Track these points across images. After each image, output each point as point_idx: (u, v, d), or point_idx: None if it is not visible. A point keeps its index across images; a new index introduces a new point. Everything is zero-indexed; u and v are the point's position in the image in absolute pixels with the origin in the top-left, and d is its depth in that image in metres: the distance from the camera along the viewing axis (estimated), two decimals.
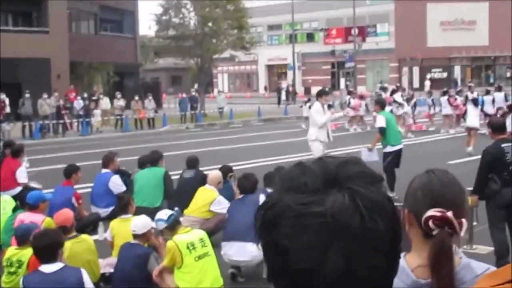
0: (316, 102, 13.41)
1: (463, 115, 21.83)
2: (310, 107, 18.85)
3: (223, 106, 38.15)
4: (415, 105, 27.42)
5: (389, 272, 1.10)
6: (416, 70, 64.46)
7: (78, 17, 45.86)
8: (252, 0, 50.75)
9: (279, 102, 49.73)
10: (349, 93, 32.48)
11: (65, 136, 30.33)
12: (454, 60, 65.91)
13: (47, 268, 5.62)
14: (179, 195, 10.77)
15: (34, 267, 5.92)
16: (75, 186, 11.07)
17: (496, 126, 8.10)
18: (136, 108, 33.44)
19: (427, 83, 58.18)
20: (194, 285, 6.75)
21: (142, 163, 11.38)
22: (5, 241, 8.26)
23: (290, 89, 53.67)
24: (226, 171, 10.43)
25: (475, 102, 20.81)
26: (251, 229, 6.90)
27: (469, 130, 19.40)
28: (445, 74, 66.02)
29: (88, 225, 10.48)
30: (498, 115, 18.08)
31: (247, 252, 7.83)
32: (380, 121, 12.82)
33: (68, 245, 6.57)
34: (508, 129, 10.42)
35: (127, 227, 7.28)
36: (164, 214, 7.11)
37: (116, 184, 11.53)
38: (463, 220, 2.14)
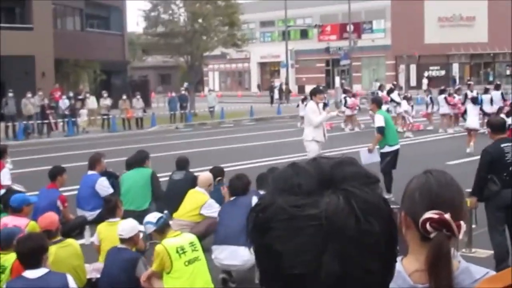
0: (311, 101, 13.38)
1: (463, 114, 21.90)
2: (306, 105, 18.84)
3: (213, 105, 38.16)
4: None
5: (385, 276, 1.10)
6: (413, 67, 64.62)
7: (63, 13, 45.73)
8: None
9: (271, 101, 49.78)
10: (345, 91, 32.54)
11: (50, 136, 30.24)
12: (452, 57, 66.10)
13: (31, 274, 5.60)
14: (168, 198, 10.75)
15: (18, 273, 5.89)
16: (61, 189, 11.02)
17: (495, 125, 8.13)
18: (124, 107, 33.37)
19: (425, 81, 58.32)
20: None
21: (130, 165, 11.34)
22: None
23: (283, 87, 53.71)
24: (217, 172, 10.41)
25: (474, 101, 20.85)
26: (243, 233, 6.90)
27: (469, 130, 19.45)
28: (443, 72, 66.21)
29: (74, 229, 10.45)
30: (503, 114, 18.09)
31: (238, 256, 7.82)
32: (379, 121, 12.79)
33: (53, 249, 6.55)
34: None
35: (115, 231, 7.26)
36: (153, 217, 7.09)
37: (103, 186, 11.50)
38: (462, 223, 2.14)
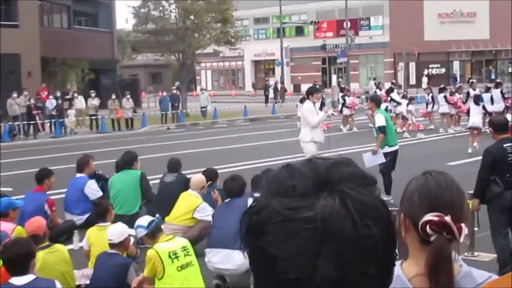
0: (307, 101, 13.35)
1: (467, 113, 21.88)
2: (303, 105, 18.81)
3: (206, 105, 38.15)
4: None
5: (383, 281, 1.10)
6: (412, 65, 64.67)
7: (50, 10, 45.67)
8: None
9: (266, 101, 49.79)
10: (342, 90, 32.57)
11: (36, 138, 30.18)
12: (453, 54, 66.27)
13: (18, 281, 5.59)
14: (159, 201, 10.73)
15: (4, 280, 5.88)
16: (48, 192, 11.01)
17: (497, 125, 8.14)
18: (113, 107, 33.33)
19: (424, 80, 58.43)
20: None
21: (120, 167, 11.32)
22: None
23: (279, 86, 53.74)
24: (210, 174, 10.40)
25: (477, 99, 20.85)
26: (238, 236, 6.89)
27: (472, 129, 19.44)
28: (443, 70, 66.37)
29: (62, 234, 10.43)
30: (510, 114, 18.11)
31: (232, 260, 7.82)
32: (380, 120, 12.77)
33: (40, 255, 6.54)
34: None
35: (105, 236, 7.25)
36: (144, 220, 7.09)
37: (92, 190, 11.48)
38: (463, 225, 2.14)
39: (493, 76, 61.41)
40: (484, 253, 8.69)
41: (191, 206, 9.47)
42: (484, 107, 21.30)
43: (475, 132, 19.28)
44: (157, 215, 9.10)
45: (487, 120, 18.38)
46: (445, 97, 25.34)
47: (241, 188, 8.41)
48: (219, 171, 11.23)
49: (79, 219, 11.17)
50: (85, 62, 43.58)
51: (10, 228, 7.91)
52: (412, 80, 62.71)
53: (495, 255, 7.90)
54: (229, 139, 26.51)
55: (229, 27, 42.04)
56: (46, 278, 6.01)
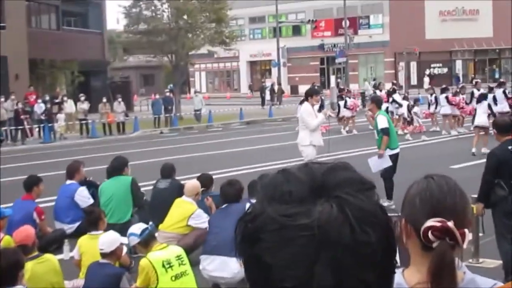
0: (306, 102, 13.32)
1: (471, 114, 21.82)
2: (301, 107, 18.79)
3: (200, 108, 38.14)
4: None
5: None
6: (413, 65, 64.83)
7: (38, 10, 45.66)
8: None
9: (263, 103, 49.81)
10: (341, 91, 32.60)
11: (24, 143, 30.13)
12: (455, 53, 66.43)
13: None
14: (153, 208, 10.72)
15: None
16: (37, 200, 10.98)
17: (501, 126, 8.15)
18: (104, 111, 33.31)
19: (426, 80, 58.53)
20: None
21: (110, 173, 11.29)
22: None
23: (275, 88, 53.78)
24: (205, 180, 10.39)
25: (482, 97, 20.83)
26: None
27: (478, 129, 19.38)
28: (445, 70, 66.52)
29: (51, 243, 10.41)
30: None
31: (228, 268, 7.81)
32: (383, 122, 12.75)
33: (29, 266, 6.53)
34: None
35: (97, 245, 7.24)
36: (137, 228, 7.07)
37: (83, 197, 11.46)
38: (466, 231, 2.14)
39: (497, 76, 61.51)
40: (489, 259, 8.69)
41: (186, 213, 9.46)
42: (489, 107, 21.25)
43: (482, 132, 19.18)
44: (150, 223, 9.10)
45: (491, 121, 18.34)
46: (446, 97, 25.33)
47: (238, 193, 8.40)
48: (214, 176, 11.22)
49: (70, 228, 11.15)
50: (74, 64, 43.54)
51: None
52: (413, 80, 62.87)
53: (501, 262, 7.90)
54: (225, 143, 26.51)
55: (224, 27, 42.06)
56: None
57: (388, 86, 33.84)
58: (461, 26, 63.80)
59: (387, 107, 24.59)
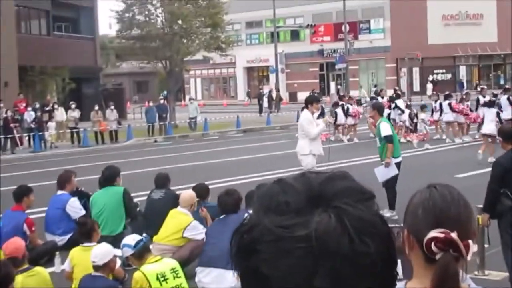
0: (305, 110, 13.32)
1: (475, 121, 21.80)
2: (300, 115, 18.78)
3: (196, 116, 38.16)
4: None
5: None
6: (416, 71, 64.93)
7: (27, 15, 45.69)
8: None
9: (260, 110, 49.81)
10: (341, 98, 32.62)
11: (14, 152, 30.11)
12: (459, 59, 66.51)
13: None
14: (147, 219, 10.71)
15: None
16: (27, 211, 10.98)
17: (507, 134, 8.16)
18: (96, 119, 33.29)
19: (429, 86, 58.61)
20: None
21: (101, 183, 11.28)
22: None
23: (273, 94, 53.79)
24: (200, 190, 10.38)
25: (489, 104, 20.79)
26: None
27: (486, 137, 19.32)
28: (449, 75, 66.61)
29: (42, 256, 10.40)
30: None
31: (225, 281, 7.80)
32: (386, 129, 12.73)
33: (19, 279, 6.52)
34: None
35: (89, 257, 7.23)
36: (131, 239, 7.06)
37: (74, 208, 11.45)
38: (470, 242, 2.15)
39: (502, 82, 61.62)
40: (496, 271, 8.69)
41: (181, 224, 9.44)
42: (498, 114, 21.19)
43: (489, 140, 19.02)
44: (144, 234, 9.09)
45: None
46: (449, 104, 25.32)
47: (237, 203, 8.41)
48: (210, 186, 11.21)
49: (61, 240, 11.14)
50: (65, 71, 43.54)
51: None
52: (416, 87, 62.93)
53: (507, 274, 7.90)
54: (221, 152, 26.51)
55: (220, 32, 42.11)
56: None
57: (390, 92, 33.84)
58: (464, 31, 63.91)
59: (389, 114, 24.62)
